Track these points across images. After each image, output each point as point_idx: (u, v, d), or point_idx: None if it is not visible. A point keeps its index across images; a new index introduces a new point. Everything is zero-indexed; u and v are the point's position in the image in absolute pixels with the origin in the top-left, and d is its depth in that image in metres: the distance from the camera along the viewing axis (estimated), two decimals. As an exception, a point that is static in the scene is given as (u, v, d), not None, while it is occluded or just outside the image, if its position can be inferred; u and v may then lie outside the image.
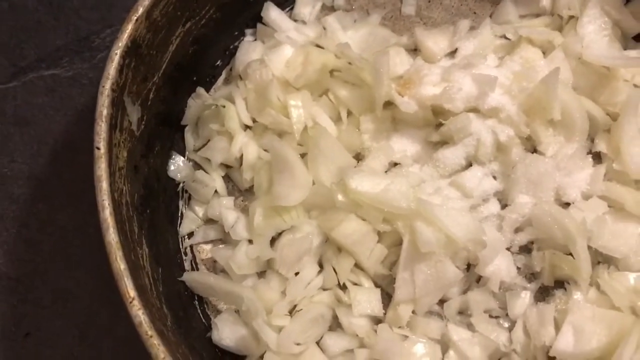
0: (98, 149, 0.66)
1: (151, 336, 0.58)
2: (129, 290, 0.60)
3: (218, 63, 0.91)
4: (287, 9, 0.94)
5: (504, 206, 0.81)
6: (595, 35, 0.87)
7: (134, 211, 0.71)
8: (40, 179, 0.90)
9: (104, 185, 0.64)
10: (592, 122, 0.83)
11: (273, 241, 0.80)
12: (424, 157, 0.84)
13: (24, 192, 0.89)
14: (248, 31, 0.92)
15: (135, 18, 0.72)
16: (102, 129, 0.67)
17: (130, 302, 0.59)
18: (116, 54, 0.70)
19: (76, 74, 0.95)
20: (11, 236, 0.86)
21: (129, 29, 0.71)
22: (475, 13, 0.96)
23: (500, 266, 0.77)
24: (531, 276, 0.80)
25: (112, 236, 0.62)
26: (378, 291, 0.77)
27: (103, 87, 0.68)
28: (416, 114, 0.83)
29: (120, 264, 0.61)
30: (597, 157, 0.84)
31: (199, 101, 0.85)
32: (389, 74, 0.82)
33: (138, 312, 0.59)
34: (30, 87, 0.94)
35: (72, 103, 0.94)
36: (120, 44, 0.71)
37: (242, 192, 0.86)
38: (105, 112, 0.68)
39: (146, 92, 0.77)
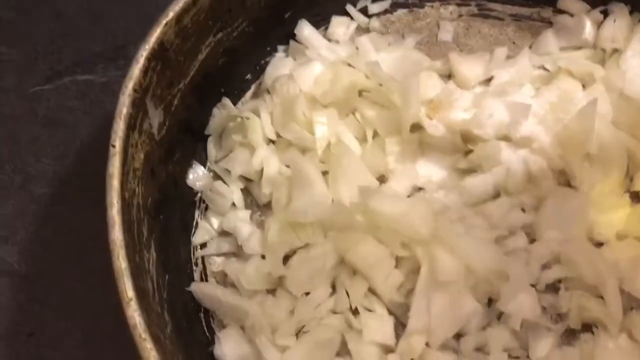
0: (113, 146, 0.65)
1: (144, 339, 0.56)
2: (127, 290, 0.58)
3: (248, 77, 0.90)
4: (322, 28, 0.93)
5: (532, 241, 0.77)
6: (639, 69, 0.83)
7: (146, 214, 0.70)
8: (63, 181, 0.90)
9: (115, 183, 0.63)
10: (631, 159, 0.79)
11: (287, 259, 0.77)
12: (449, 184, 0.81)
13: (45, 192, 0.89)
14: (280, 47, 0.91)
15: (165, 22, 0.72)
16: (119, 127, 0.66)
17: (128, 302, 0.58)
18: (142, 55, 0.70)
19: (109, 81, 0.96)
20: (28, 234, 0.86)
21: (157, 32, 0.71)
22: (514, 43, 0.93)
23: (524, 303, 0.72)
24: (557, 317, 0.75)
25: (116, 234, 0.61)
26: (391, 319, 0.74)
27: (125, 87, 0.68)
28: (444, 139, 0.80)
29: (121, 263, 0.59)
30: (636, 197, 0.79)
31: (223, 111, 0.84)
32: (419, 96, 0.80)
33: (134, 314, 0.57)
34: (63, 90, 0.96)
35: (101, 109, 0.94)
36: (147, 47, 0.71)
37: (260, 207, 0.84)
38: (125, 111, 0.67)
39: (170, 97, 0.77)
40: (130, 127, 0.68)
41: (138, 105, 0.69)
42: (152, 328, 0.58)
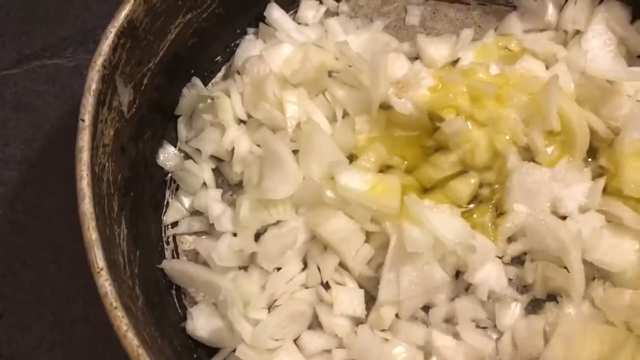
0: (82, 120, 0.65)
1: (115, 307, 0.56)
2: (98, 260, 0.58)
3: (218, 59, 0.91)
4: (291, 12, 0.94)
5: (498, 215, 0.79)
6: (599, 50, 0.86)
7: (116, 190, 0.70)
8: (32, 164, 0.89)
9: (84, 156, 0.63)
10: (593, 135, 0.81)
11: (258, 237, 0.78)
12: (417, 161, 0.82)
13: (14, 176, 0.88)
14: (250, 30, 0.92)
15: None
16: (88, 102, 0.66)
17: (98, 272, 0.58)
18: (111, 32, 0.70)
19: (78, 65, 0.96)
20: (-4, 217, 0.86)
21: (126, 9, 0.72)
22: (480, 26, 0.95)
23: (490, 274, 0.74)
24: (523, 288, 0.77)
25: (87, 206, 0.61)
26: (361, 292, 0.75)
27: (94, 62, 0.68)
28: (411, 118, 0.82)
29: (92, 234, 0.59)
30: (598, 171, 0.81)
31: (193, 91, 0.85)
32: (387, 75, 0.81)
33: (105, 283, 0.57)
34: (32, 74, 0.95)
35: (71, 92, 0.94)
36: (116, 24, 0.71)
37: (231, 187, 0.84)
38: (94, 86, 0.67)
39: (140, 76, 0.77)
40: (99, 103, 0.68)
41: (107, 82, 0.69)
42: (123, 298, 0.58)
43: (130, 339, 0.55)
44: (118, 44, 0.71)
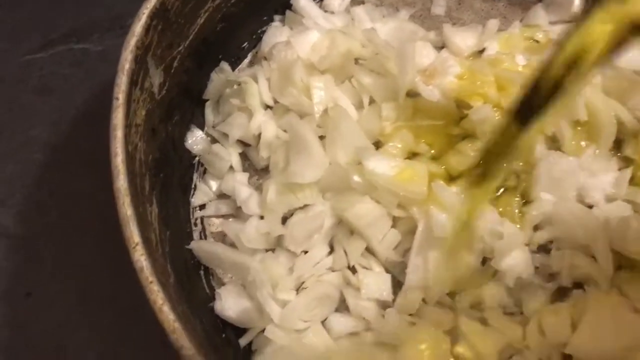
0: (117, 99, 0.66)
1: (151, 282, 0.56)
2: (134, 235, 0.58)
3: (245, 45, 0.91)
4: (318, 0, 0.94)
5: (524, 203, 0.79)
6: (626, 41, 0.86)
7: (147, 170, 0.70)
8: (57, 147, 0.90)
9: (119, 134, 0.64)
10: (620, 126, 0.81)
11: (284, 221, 0.78)
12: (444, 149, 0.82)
13: (39, 158, 0.89)
14: (277, 17, 0.92)
15: (166, -18, 0.73)
16: (122, 81, 0.67)
17: (134, 247, 0.58)
18: (144, 13, 0.71)
19: (105, 50, 0.96)
20: (23, 198, 0.86)
21: (158, -9, 0.72)
22: (505, 17, 0.95)
23: (517, 260, 0.74)
24: (549, 277, 0.76)
25: (121, 182, 0.61)
26: (388, 276, 0.75)
27: (128, 42, 0.69)
28: (438, 105, 0.82)
29: (127, 210, 0.59)
30: (625, 162, 0.81)
31: (222, 76, 0.85)
32: (414, 63, 0.81)
33: (140, 258, 0.57)
34: (57, 58, 0.96)
35: (97, 77, 0.95)
36: (148, 5, 0.71)
37: (257, 172, 0.85)
38: (127, 66, 0.67)
39: (170, 59, 0.77)
40: (132, 83, 0.68)
41: (140, 62, 0.70)
42: (157, 274, 0.59)
43: (167, 313, 0.56)
44: (150, 25, 0.71)
